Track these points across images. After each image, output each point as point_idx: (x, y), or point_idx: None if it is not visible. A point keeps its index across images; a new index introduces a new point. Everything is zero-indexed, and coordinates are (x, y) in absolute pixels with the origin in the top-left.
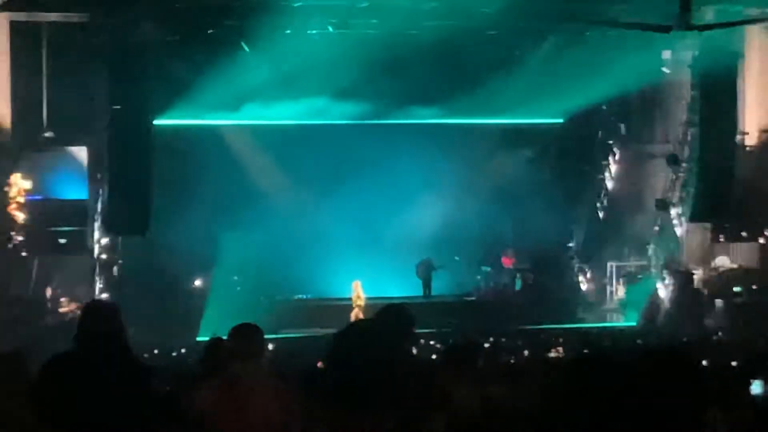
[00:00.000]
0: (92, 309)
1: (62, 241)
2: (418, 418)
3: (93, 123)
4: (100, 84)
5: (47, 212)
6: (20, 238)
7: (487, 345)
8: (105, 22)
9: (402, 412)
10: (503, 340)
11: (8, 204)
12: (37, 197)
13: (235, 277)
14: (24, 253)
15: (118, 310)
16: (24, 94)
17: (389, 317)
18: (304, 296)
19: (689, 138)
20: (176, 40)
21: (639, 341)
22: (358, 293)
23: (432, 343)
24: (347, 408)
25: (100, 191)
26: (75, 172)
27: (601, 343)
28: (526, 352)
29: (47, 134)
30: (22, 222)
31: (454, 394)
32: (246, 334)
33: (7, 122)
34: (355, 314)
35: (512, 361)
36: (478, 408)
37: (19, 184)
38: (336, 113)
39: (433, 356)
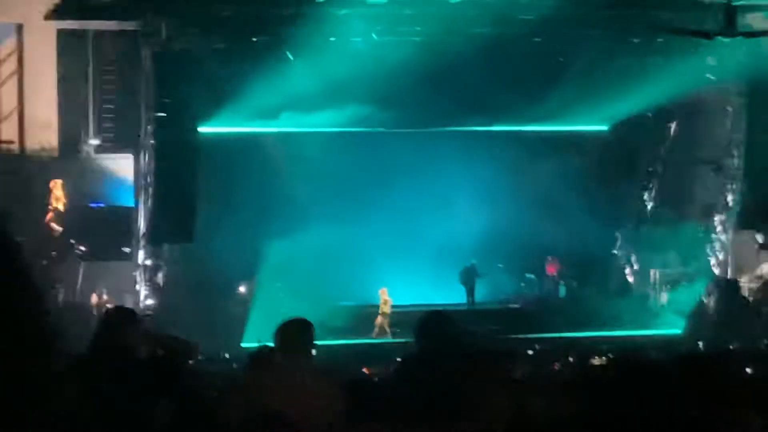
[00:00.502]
0: (106, 315)
1: (126, 250)
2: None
3: (138, 131)
4: (145, 92)
5: (95, 219)
6: (81, 247)
7: (530, 352)
8: (150, 30)
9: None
10: (547, 347)
11: (53, 211)
12: (97, 204)
13: (279, 284)
14: (74, 260)
15: (133, 317)
16: (71, 102)
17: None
18: (349, 303)
19: (735, 145)
20: (221, 48)
21: (683, 349)
22: (385, 299)
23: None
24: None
25: (146, 198)
26: (121, 179)
27: (644, 351)
28: (570, 359)
29: (93, 142)
30: (71, 229)
31: (488, 401)
32: (294, 329)
33: (54, 130)
34: (380, 321)
35: (556, 368)
36: (516, 416)
37: (61, 191)
38: (380, 121)
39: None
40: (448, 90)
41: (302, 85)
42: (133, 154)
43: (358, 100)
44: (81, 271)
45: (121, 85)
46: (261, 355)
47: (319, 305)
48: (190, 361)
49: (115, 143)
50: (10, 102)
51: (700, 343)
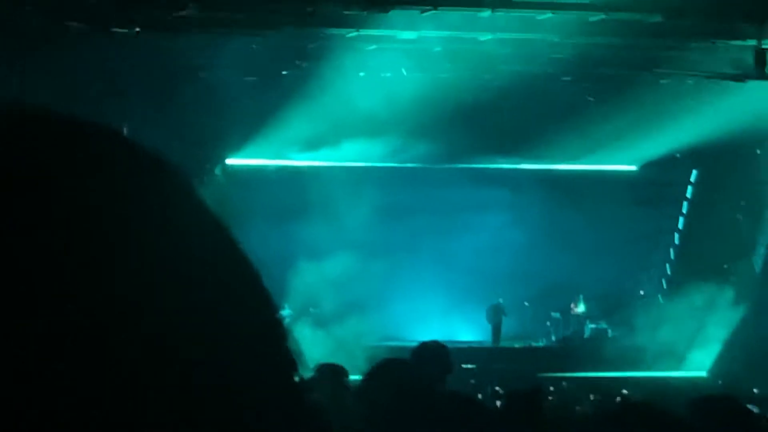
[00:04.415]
0: None
1: None
2: None
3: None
4: (173, 124)
5: None
6: None
7: (552, 389)
8: (181, 63)
9: None
10: (569, 386)
11: None
12: None
13: (312, 309)
14: None
15: None
16: None
17: (426, 356)
18: (372, 341)
19: (765, 188)
20: (251, 81)
21: (706, 391)
22: None
23: (497, 389)
24: None
25: None
26: None
27: (665, 392)
28: (591, 397)
29: None
30: None
31: None
32: (329, 373)
33: None
34: None
35: (577, 408)
36: None
37: None
38: (408, 156)
39: (498, 403)
40: (475, 127)
41: (330, 119)
42: None
43: (386, 135)
44: None
45: (150, 116)
46: None
47: (344, 343)
48: None
49: None
50: None
51: (724, 385)
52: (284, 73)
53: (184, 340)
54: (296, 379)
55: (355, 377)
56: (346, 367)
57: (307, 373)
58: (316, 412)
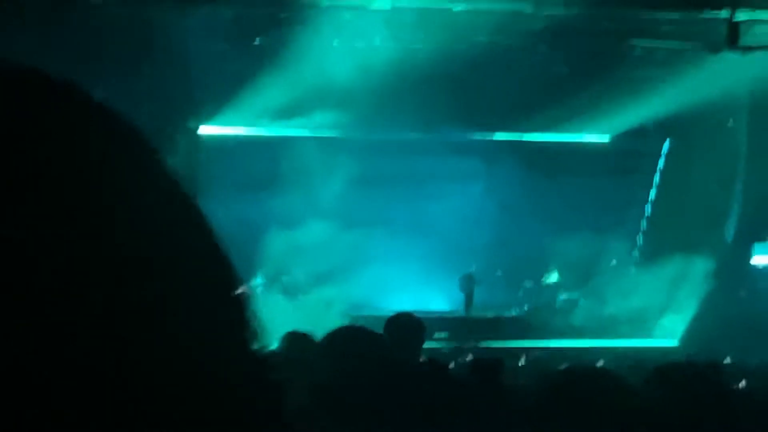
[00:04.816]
0: None
1: None
2: None
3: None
4: (142, 91)
5: None
6: None
7: (524, 357)
8: (152, 31)
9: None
10: (541, 356)
11: None
12: None
13: (284, 278)
14: None
15: None
16: None
17: (398, 326)
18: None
19: (736, 159)
20: (222, 49)
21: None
22: None
23: (468, 358)
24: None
25: None
26: None
27: (635, 359)
28: (563, 366)
29: None
30: None
31: (481, 410)
32: (296, 342)
33: None
34: None
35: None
36: (505, 425)
37: None
38: (382, 126)
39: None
40: (449, 98)
41: (303, 89)
42: None
43: (359, 106)
44: None
45: (118, 80)
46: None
47: (316, 312)
48: None
49: None
50: None
51: (696, 353)
52: (256, 41)
53: (152, 323)
54: (258, 355)
55: None
56: (318, 336)
57: (274, 344)
58: (279, 390)
